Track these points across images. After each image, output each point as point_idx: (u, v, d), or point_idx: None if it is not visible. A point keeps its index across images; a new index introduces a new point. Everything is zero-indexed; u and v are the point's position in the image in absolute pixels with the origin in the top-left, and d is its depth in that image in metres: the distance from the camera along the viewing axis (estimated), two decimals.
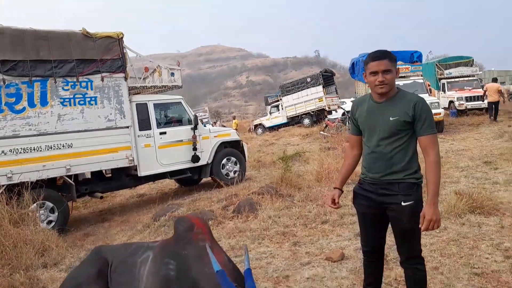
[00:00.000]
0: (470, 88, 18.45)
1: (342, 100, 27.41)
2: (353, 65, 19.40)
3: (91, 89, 6.88)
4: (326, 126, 15.74)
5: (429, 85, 15.81)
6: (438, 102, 14.39)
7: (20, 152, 6.09)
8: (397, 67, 2.53)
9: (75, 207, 7.43)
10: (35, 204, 5.82)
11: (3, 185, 5.88)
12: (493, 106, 15.12)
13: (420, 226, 2.37)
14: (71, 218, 6.83)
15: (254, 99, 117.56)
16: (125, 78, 7.25)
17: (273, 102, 26.37)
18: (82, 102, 6.77)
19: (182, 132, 8.14)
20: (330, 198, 2.77)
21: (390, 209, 2.51)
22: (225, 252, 2.67)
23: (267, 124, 24.59)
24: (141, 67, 9.04)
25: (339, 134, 13.57)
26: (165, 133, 7.84)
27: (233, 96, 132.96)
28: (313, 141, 15.38)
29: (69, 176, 6.64)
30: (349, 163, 2.81)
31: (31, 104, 6.29)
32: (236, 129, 15.92)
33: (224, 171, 8.61)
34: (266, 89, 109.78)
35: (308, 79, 23.06)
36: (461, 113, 17.50)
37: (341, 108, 22.16)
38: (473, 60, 21.99)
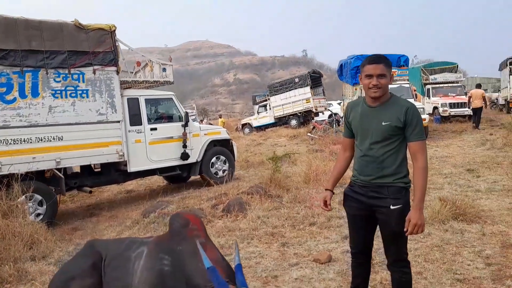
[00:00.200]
0: (454, 94, 18.74)
1: (329, 102, 27.62)
2: (341, 66, 19.52)
3: (83, 81, 6.84)
4: (314, 128, 15.86)
5: (415, 90, 16.04)
6: (423, 108, 14.64)
7: (10, 143, 6.03)
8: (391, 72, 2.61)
9: (62, 201, 7.38)
10: (23, 197, 5.78)
11: None
12: (476, 112, 15.41)
13: (405, 229, 2.46)
14: (59, 212, 6.79)
15: (241, 97, 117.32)
16: (117, 72, 7.22)
17: (261, 102, 26.37)
18: (73, 95, 6.73)
19: (173, 128, 8.14)
20: (322, 200, 2.83)
21: (379, 212, 2.59)
22: (218, 249, 2.72)
23: (255, 123, 24.58)
24: (132, 61, 9.02)
25: (326, 136, 13.70)
26: (155, 129, 7.84)
27: (220, 94, 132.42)
28: (300, 142, 15.49)
29: (59, 169, 6.60)
30: (341, 165, 2.87)
31: (22, 95, 6.23)
32: None
33: (213, 170, 8.64)
34: (254, 87, 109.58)
35: (296, 80, 23.10)
36: (445, 119, 17.75)
37: (329, 110, 22.31)
38: (457, 66, 22.40)
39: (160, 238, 2.90)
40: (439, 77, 20.68)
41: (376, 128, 2.56)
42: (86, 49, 6.83)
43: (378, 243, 2.85)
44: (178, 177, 8.98)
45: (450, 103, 17.89)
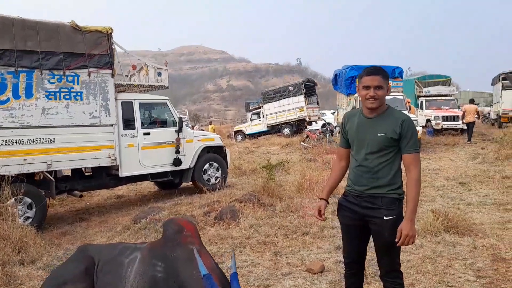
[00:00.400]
0: (447, 107, 18.92)
1: (322, 111, 27.74)
2: (336, 76, 19.68)
3: (77, 84, 6.78)
4: (307, 137, 15.89)
5: (409, 102, 16.17)
6: (416, 120, 14.74)
7: (1, 144, 5.94)
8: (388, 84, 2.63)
9: (51, 205, 7.27)
10: (13, 199, 5.68)
11: None
12: (469, 126, 15.63)
13: (396, 240, 2.47)
14: (47, 216, 6.68)
15: (234, 104, 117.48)
16: (112, 75, 7.16)
17: (254, 109, 26.38)
18: (67, 97, 6.67)
19: (166, 134, 8.08)
20: (317, 209, 2.83)
21: (372, 222, 2.60)
22: (212, 257, 2.70)
23: (247, 131, 24.57)
24: (127, 64, 8.98)
25: (319, 145, 13.73)
26: (149, 133, 7.78)
27: (212, 100, 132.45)
28: (293, 151, 15.50)
29: (50, 172, 6.52)
30: (336, 174, 2.89)
31: (16, 96, 6.15)
32: None
33: (205, 177, 8.57)
34: (247, 94, 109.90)
35: (291, 88, 23.14)
36: (437, 132, 17.93)
37: (322, 119, 22.38)
38: (451, 79, 22.67)
39: (154, 244, 2.88)
40: (433, 90, 20.89)
41: (372, 138, 2.58)
42: (82, 51, 6.78)
43: (371, 254, 2.84)
44: (169, 183, 8.90)
45: (443, 116, 18.05)
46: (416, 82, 22.07)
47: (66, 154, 6.58)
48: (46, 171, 6.46)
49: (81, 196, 7.44)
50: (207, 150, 8.78)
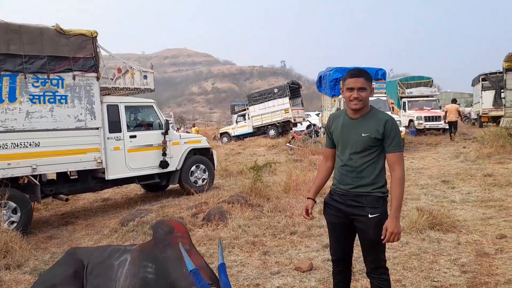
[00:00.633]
0: (429, 108, 19.27)
1: (307, 113, 27.94)
2: (320, 78, 19.81)
3: (62, 87, 6.72)
4: (293, 138, 15.98)
5: (392, 103, 16.41)
6: (399, 121, 14.97)
7: None
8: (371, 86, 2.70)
9: (36, 209, 7.19)
10: None
11: None
12: (452, 125, 16.04)
13: (382, 237, 2.53)
14: (33, 220, 6.60)
15: (219, 106, 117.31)
16: (97, 78, 7.11)
17: (239, 111, 26.46)
18: (52, 100, 6.60)
19: (153, 136, 8.06)
20: (304, 209, 2.89)
21: (357, 220, 2.66)
22: (203, 257, 2.72)
23: (233, 133, 24.62)
24: (112, 67, 8.92)
25: (305, 146, 13.82)
26: (135, 136, 7.75)
27: (197, 102, 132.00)
28: (279, 152, 15.59)
29: (34, 176, 6.45)
30: (322, 174, 2.95)
31: None
32: None
33: (192, 179, 8.58)
34: (232, 97, 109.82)
35: (275, 90, 23.30)
36: (420, 132, 18.23)
37: (308, 120, 22.55)
38: (432, 81, 23.08)
39: (144, 245, 2.88)
40: (415, 91, 21.25)
41: (356, 139, 2.64)
42: (66, 55, 6.72)
43: (358, 251, 2.90)
44: (156, 185, 8.88)
45: (425, 117, 18.38)
46: (398, 83, 22.41)
47: (51, 158, 6.52)
48: (31, 175, 6.39)
49: (66, 199, 7.36)
50: (194, 152, 8.79)
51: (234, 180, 9.87)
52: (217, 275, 2.47)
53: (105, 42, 7.27)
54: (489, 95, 20.90)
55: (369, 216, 2.60)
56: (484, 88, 21.26)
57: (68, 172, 7.31)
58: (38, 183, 6.50)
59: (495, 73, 20.41)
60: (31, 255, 5.03)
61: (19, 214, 6.11)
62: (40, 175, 6.69)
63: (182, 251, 2.28)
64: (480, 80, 21.53)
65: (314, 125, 18.30)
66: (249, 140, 22.22)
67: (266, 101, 23.22)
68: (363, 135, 2.61)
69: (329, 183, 2.95)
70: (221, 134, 25.32)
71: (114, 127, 7.46)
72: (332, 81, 17.46)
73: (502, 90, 16.76)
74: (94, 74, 7.06)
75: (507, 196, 6.63)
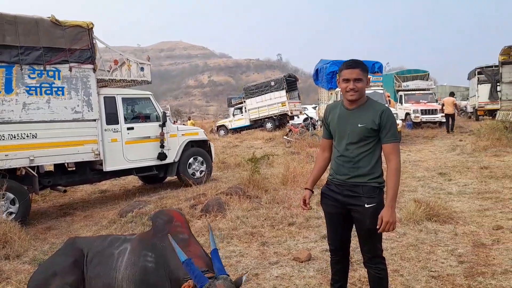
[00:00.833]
0: (425, 101, 19.32)
1: (304, 106, 27.93)
2: (317, 71, 19.82)
3: (59, 79, 6.70)
4: (290, 131, 15.99)
5: (388, 96, 16.45)
6: (396, 114, 15.00)
7: None
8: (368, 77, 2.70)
9: (34, 200, 7.19)
10: None
11: None
12: (449, 118, 16.15)
13: (378, 227, 2.54)
14: (31, 212, 6.60)
15: (216, 99, 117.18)
16: (94, 70, 7.10)
17: (236, 104, 26.39)
18: (48, 92, 6.58)
19: (150, 128, 8.06)
20: (302, 199, 2.92)
21: (354, 210, 2.68)
22: (202, 246, 2.73)
23: (230, 126, 24.59)
24: (108, 60, 8.88)
25: (302, 139, 13.84)
26: (132, 128, 7.74)
27: (194, 96, 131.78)
28: (276, 145, 15.61)
29: (32, 168, 6.44)
30: (320, 165, 2.97)
31: None
32: None
33: (190, 171, 8.59)
34: (228, 90, 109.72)
35: (272, 83, 23.24)
36: (416, 125, 18.30)
37: (305, 113, 22.58)
38: (428, 74, 23.12)
39: (143, 235, 2.90)
40: (411, 84, 21.30)
41: (352, 130, 2.66)
42: (62, 46, 6.69)
43: (356, 242, 2.92)
44: (154, 177, 8.89)
45: (421, 110, 18.43)
46: (395, 76, 22.45)
47: (48, 149, 6.51)
48: (29, 167, 6.38)
49: (64, 191, 7.37)
50: (191, 144, 8.79)
51: (232, 172, 9.88)
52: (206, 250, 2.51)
53: (100, 35, 7.23)
54: (485, 88, 20.95)
55: (366, 206, 2.62)
56: (480, 82, 21.31)
57: (66, 164, 7.31)
58: (36, 174, 6.51)
59: (491, 66, 20.44)
60: (30, 246, 5.05)
61: (17, 205, 6.12)
62: (38, 166, 6.70)
63: (172, 242, 2.29)
64: (476, 73, 21.57)
65: (311, 118, 18.27)
66: (246, 133, 22.21)
67: (263, 94, 23.15)
68: (359, 125, 2.62)
69: (326, 174, 2.97)
70: (218, 127, 25.27)
71: (112, 119, 7.45)
72: (329, 74, 17.49)
73: (498, 84, 16.79)
74: (91, 66, 7.03)
75: (504, 188, 6.68)
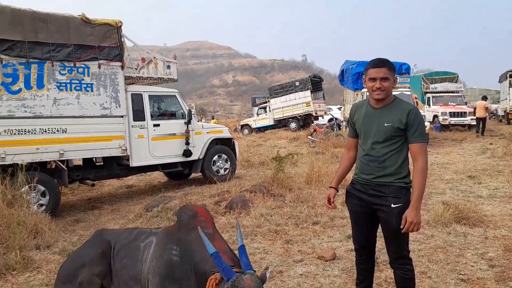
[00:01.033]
0: (454, 104, 18.87)
1: (329, 106, 27.72)
2: (342, 72, 19.64)
3: (88, 75, 6.85)
4: (314, 131, 15.89)
5: (416, 98, 16.16)
6: (424, 115, 14.73)
7: (14, 133, 6.02)
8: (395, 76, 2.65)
9: (63, 194, 7.36)
10: (26, 187, 5.77)
11: None
12: (480, 121, 15.88)
13: (401, 227, 2.48)
14: (60, 204, 6.77)
15: (240, 99, 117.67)
16: (122, 67, 7.23)
17: (260, 104, 26.42)
18: (78, 88, 6.73)
19: (176, 125, 8.15)
20: (326, 197, 2.90)
21: (380, 210, 2.64)
22: (226, 242, 2.73)
23: (254, 125, 24.63)
24: (135, 58, 9.02)
25: (327, 139, 13.74)
26: (158, 125, 7.84)
27: (218, 95, 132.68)
28: (300, 145, 15.53)
29: (62, 161, 6.60)
30: (345, 164, 2.93)
31: (28, 86, 6.22)
32: None
33: (214, 168, 8.65)
34: (252, 90, 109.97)
35: (297, 83, 23.16)
36: (445, 128, 17.91)
37: (329, 114, 22.40)
38: (458, 76, 22.57)
39: (169, 229, 2.93)
40: (440, 86, 20.85)
41: (378, 129, 2.61)
42: (92, 44, 6.83)
43: (382, 242, 2.87)
44: (179, 173, 8.98)
45: (450, 112, 18.02)
46: (422, 78, 22.00)
47: (77, 144, 6.66)
48: (59, 160, 6.54)
49: (93, 185, 7.53)
50: (216, 142, 8.85)
51: (256, 171, 9.89)
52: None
53: (127, 34, 7.36)
54: None
55: (392, 206, 2.57)
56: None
57: (94, 159, 7.46)
58: (65, 168, 6.66)
59: None
60: (60, 237, 5.18)
61: (48, 198, 6.29)
62: (67, 160, 6.86)
63: (201, 235, 2.31)
64: (508, 76, 20.93)
65: (336, 118, 18.12)
66: (270, 133, 22.19)
67: (288, 94, 23.10)
68: (385, 124, 2.58)
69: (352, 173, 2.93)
70: (242, 126, 25.35)
71: (138, 115, 7.57)
72: (355, 75, 17.30)
73: None
74: (119, 63, 7.16)
75: None
